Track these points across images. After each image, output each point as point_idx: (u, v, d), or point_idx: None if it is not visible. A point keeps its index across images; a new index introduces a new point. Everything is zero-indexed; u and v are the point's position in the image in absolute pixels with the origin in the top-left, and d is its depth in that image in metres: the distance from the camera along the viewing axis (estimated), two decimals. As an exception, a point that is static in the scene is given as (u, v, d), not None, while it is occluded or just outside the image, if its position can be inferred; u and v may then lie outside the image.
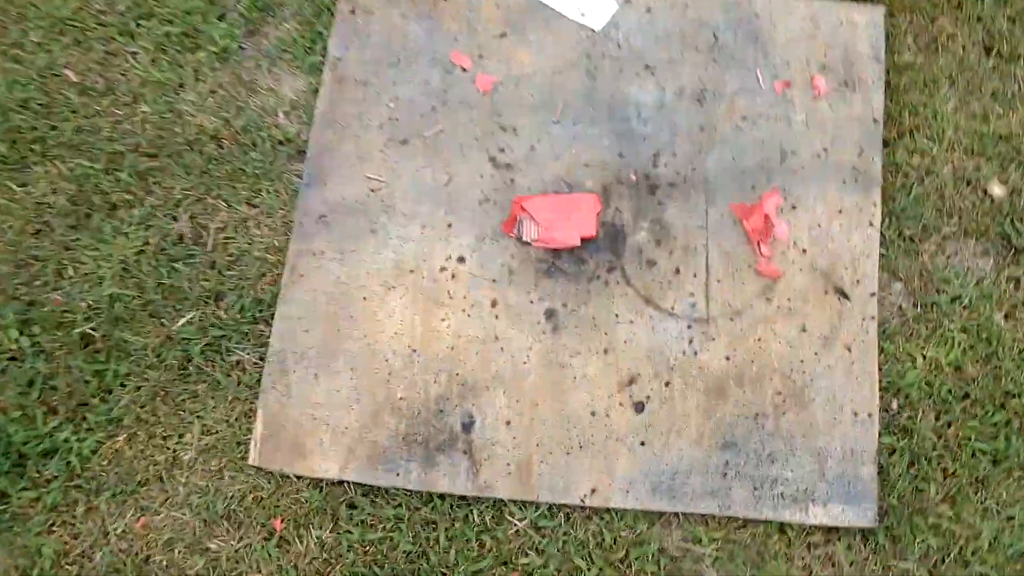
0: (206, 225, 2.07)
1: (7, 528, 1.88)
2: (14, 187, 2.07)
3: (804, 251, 2.01)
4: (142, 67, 2.17)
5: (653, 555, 1.86)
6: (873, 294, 1.98)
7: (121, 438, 1.93)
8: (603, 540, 1.87)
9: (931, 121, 2.12)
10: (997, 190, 2.08)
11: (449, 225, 2.02)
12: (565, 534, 1.87)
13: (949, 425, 1.94)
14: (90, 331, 1.98)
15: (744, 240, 2.01)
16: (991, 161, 2.09)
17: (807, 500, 1.87)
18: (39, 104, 2.13)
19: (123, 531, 1.88)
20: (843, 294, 1.98)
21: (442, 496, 1.89)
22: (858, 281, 1.99)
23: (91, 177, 2.08)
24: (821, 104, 2.10)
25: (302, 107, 2.15)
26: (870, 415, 1.91)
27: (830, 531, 1.88)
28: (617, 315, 1.97)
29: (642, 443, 1.90)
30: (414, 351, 1.95)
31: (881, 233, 2.03)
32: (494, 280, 1.99)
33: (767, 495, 1.87)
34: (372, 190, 2.04)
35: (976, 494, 1.90)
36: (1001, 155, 2.10)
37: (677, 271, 2.00)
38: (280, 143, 2.12)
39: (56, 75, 2.16)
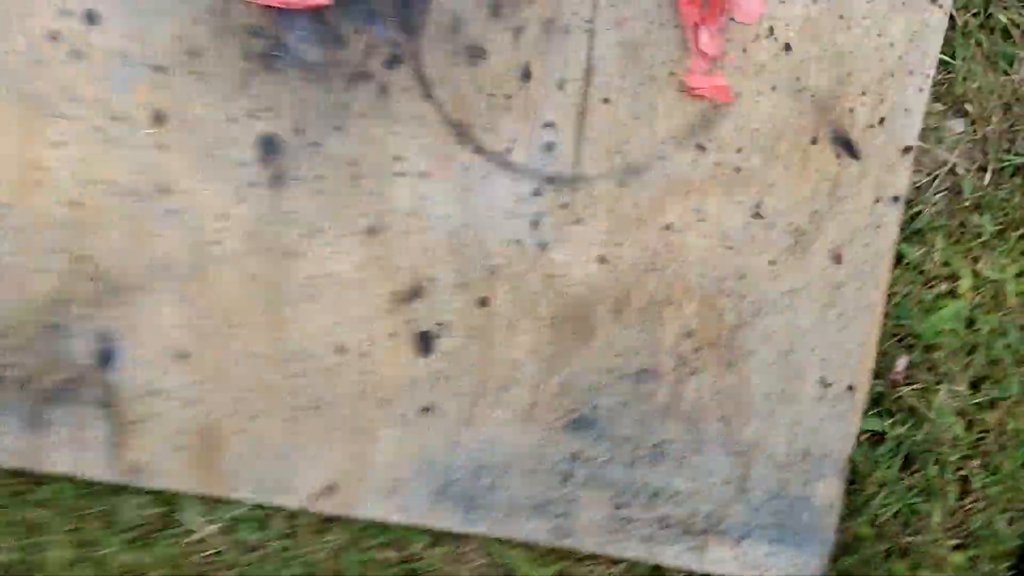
0: None
1: None
2: None
3: (787, 48, 1.21)
4: None
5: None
6: (909, 149, 1.22)
7: None
8: (346, 571, 1.30)
9: None
10: None
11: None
12: (283, 557, 1.30)
13: (992, 405, 1.29)
14: None
15: (668, 17, 1.20)
16: None
17: (708, 531, 1.27)
18: None
19: None
20: (847, 145, 1.22)
21: (60, 480, 1.28)
22: (882, 120, 1.21)
23: None
24: None
25: None
26: (851, 387, 1.25)
27: None
28: (399, 158, 1.22)
29: (426, 409, 1.25)
30: (2, 206, 1.22)
31: (951, 16, 1.22)
32: (159, 67, 1.20)
33: (639, 517, 1.27)
34: None
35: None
36: None
37: (527, 73, 1.21)
38: None
39: None
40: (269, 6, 1.18)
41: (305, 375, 1.24)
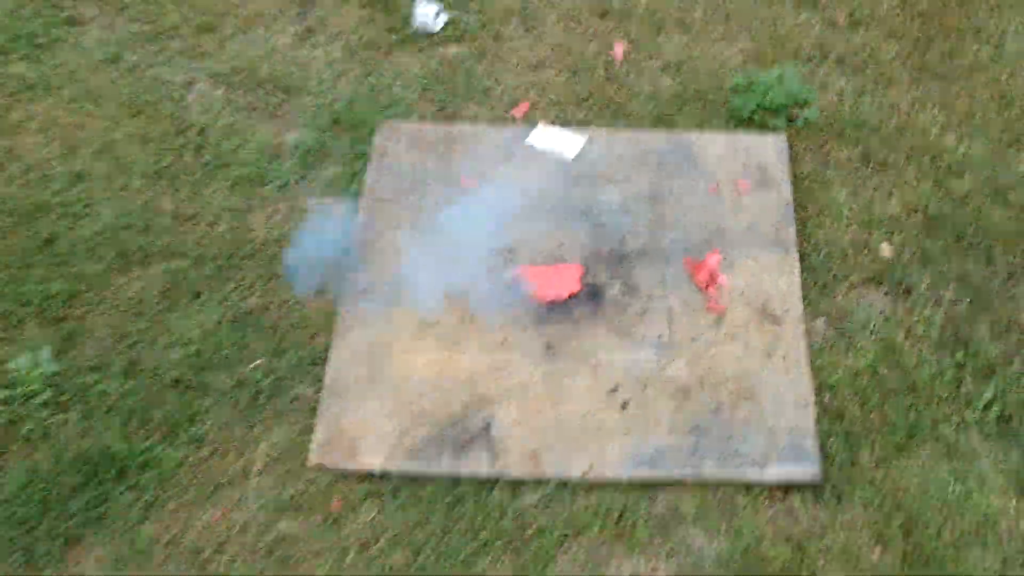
0: (271, 301, 3.14)
1: (111, 521, 2.71)
2: (118, 282, 3.16)
3: (742, 293, 3.08)
4: (221, 198, 3.36)
5: (644, 517, 2.72)
6: (799, 319, 3.04)
7: (204, 453, 2.84)
8: (601, 506, 2.74)
9: (829, 207, 3.31)
10: (887, 251, 3.23)
11: (461, 291, 3.11)
12: (572, 502, 2.74)
13: (871, 410, 2.90)
14: (180, 376, 2.97)
15: (696, 290, 3.10)
16: (879, 230, 3.26)
17: (764, 463, 2.76)
18: (140, 225, 3.30)
19: (205, 521, 2.73)
20: (776, 320, 3.03)
21: (468, 479, 2.77)
22: (787, 311, 3.04)
23: (180, 272, 3.18)
24: (745, 198, 3.30)
25: (345, 223, 3.32)
26: (807, 403, 2.87)
27: (787, 490, 2.75)
28: (601, 344, 2.99)
29: (627, 431, 2.83)
30: (441, 377, 2.94)
31: (801, 284, 3.13)
32: (504, 325, 3.04)
33: (731, 463, 2.77)
34: (399, 272, 3.15)
35: (900, 456, 2.82)
36: (886, 226, 3.26)
37: (645, 311, 3.06)
38: (331, 246, 3.26)
39: (154, 206, 3.34)
40: (545, 301, 3.07)
41: (573, 423, 2.85)
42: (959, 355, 2.99)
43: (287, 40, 3.82)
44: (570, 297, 3.05)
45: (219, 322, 3.06)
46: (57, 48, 3.74)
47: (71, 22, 3.84)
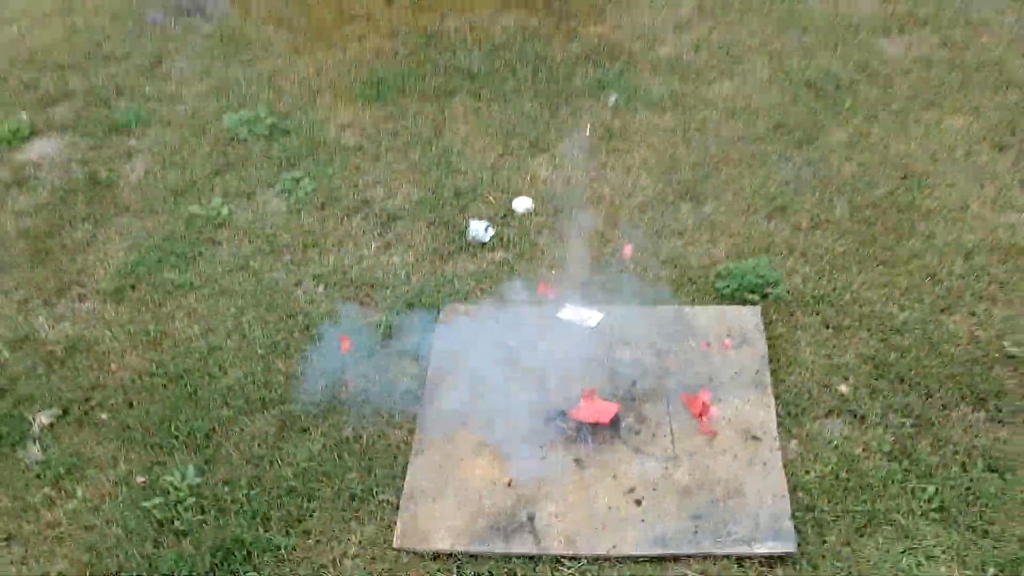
0: (362, 431, 3.88)
1: (237, 593, 3.35)
2: (244, 422, 3.94)
3: (729, 421, 3.78)
4: (322, 361, 4.19)
5: (657, 585, 3.30)
6: (775, 438, 3.71)
7: (310, 541, 3.50)
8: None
9: (797, 359, 4.05)
10: (844, 388, 3.93)
11: (508, 421, 3.84)
12: (600, 574, 3.34)
13: (836, 503, 3.51)
14: (293, 486, 3.67)
15: (692, 419, 3.81)
16: (838, 374, 3.98)
17: (751, 541, 3.36)
18: (261, 381, 4.11)
19: (311, 594, 3.35)
20: (756, 439, 3.71)
21: (517, 557, 3.39)
22: (765, 432, 3.72)
23: (291, 414, 3.96)
24: (730, 352, 4.06)
25: (418, 376, 4.11)
26: (783, 496, 3.48)
27: (772, 563, 3.34)
28: (619, 458, 3.67)
29: (643, 520, 3.45)
30: (494, 484, 3.62)
31: (776, 415, 3.83)
32: (542, 446, 3.74)
33: (726, 540, 3.37)
34: (460, 406, 3.90)
35: (861, 536, 3.40)
36: (843, 372, 3.98)
37: (653, 435, 3.75)
38: (407, 392, 4.03)
39: (272, 368, 4.17)
40: (581, 420, 3.79)
41: (601, 515, 3.49)
42: (905, 463, 3.61)
43: (371, 251, 4.75)
44: (597, 425, 3.75)
45: (322, 448, 3.78)
46: (200, 260, 4.71)
47: (210, 242, 4.84)
